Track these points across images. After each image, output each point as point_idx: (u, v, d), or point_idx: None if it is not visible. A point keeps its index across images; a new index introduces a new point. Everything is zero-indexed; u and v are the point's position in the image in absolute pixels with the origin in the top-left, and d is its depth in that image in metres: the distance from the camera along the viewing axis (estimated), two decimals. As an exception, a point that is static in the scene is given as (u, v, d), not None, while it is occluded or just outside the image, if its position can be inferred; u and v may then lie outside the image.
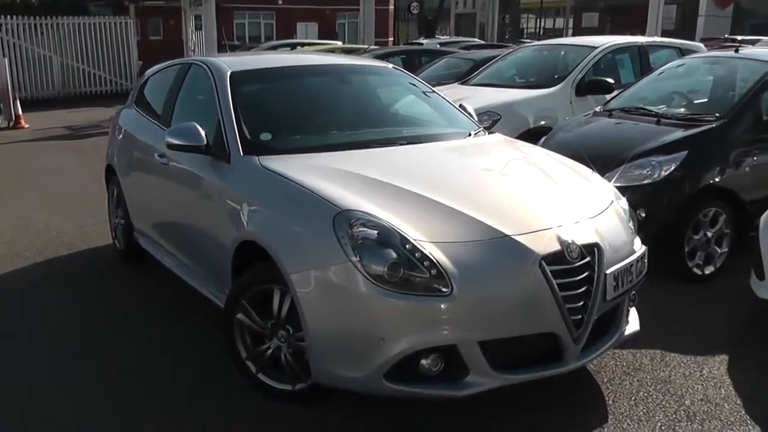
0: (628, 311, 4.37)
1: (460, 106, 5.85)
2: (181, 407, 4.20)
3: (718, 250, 6.22)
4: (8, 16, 21.73)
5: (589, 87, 9.33)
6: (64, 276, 6.47)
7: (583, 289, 3.80)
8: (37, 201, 9.19)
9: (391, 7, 43.52)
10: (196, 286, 5.23)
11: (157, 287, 6.07)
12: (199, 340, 5.01)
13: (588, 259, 3.85)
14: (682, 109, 7.18)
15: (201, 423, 4.03)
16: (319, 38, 34.58)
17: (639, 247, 4.36)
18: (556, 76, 9.78)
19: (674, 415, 4.05)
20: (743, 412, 4.08)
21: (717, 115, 6.52)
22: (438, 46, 20.44)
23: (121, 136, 6.82)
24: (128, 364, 4.73)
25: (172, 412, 4.15)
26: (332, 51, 19.04)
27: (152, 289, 6.07)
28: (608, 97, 8.27)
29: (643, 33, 19.53)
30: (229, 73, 5.23)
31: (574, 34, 42.03)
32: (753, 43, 12.16)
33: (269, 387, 4.20)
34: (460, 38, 29.85)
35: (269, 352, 4.16)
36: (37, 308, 5.73)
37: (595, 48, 9.93)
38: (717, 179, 6.16)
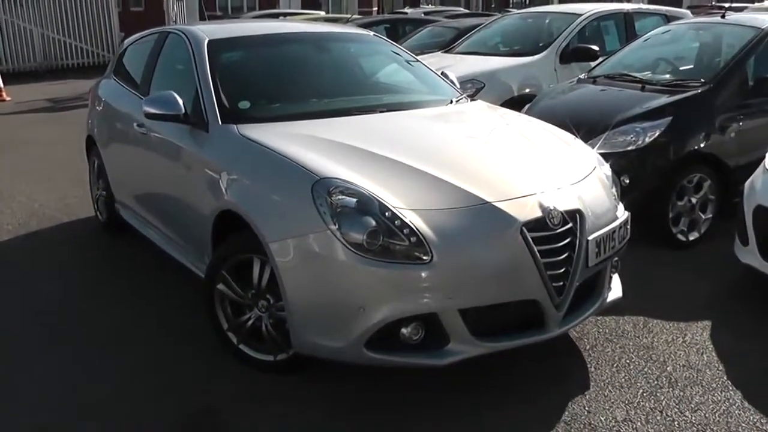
0: (611, 278, 4.35)
1: (442, 73, 5.81)
2: (162, 379, 4.16)
3: (703, 216, 6.21)
4: (-12, -11, 21.47)
5: (573, 54, 9.31)
6: (46, 248, 6.42)
7: (564, 255, 3.77)
8: (20, 173, 9.10)
9: (376, -24, 43.16)
10: (177, 256, 5.20)
11: (138, 259, 6.03)
12: (180, 312, 4.97)
13: (570, 225, 3.82)
14: (668, 76, 7.13)
15: (183, 395, 4.00)
16: (303, 8, 34.29)
17: (622, 214, 4.34)
18: (540, 44, 9.75)
19: (656, 382, 4.04)
20: (725, 378, 4.08)
21: (702, 80, 6.48)
22: (422, 15, 20.32)
23: (100, 106, 6.75)
24: (110, 337, 4.69)
25: (153, 384, 4.11)
26: (315, 21, 18.89)
27: (134, 261, 6.02)
28: (593, 64, 8.22)
29: (629, 1, 19.43)
30: (206, 41, 5.16)
31: (560, 3, 41.83)
32: (740, 9, 12.12)
33: (251, 358, 4.17)
34: (445, 8, 29.66)
35: (250, 322, 4.13)
36: (18, 280, 5.68)
37: (579, 15, 9.90)
38: (702, 145, 6.13)
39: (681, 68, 7.34)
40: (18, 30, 21.90)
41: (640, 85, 6.72)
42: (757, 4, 14.50)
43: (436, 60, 9.22)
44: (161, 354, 4.44)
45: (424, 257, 3.52)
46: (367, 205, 3.61)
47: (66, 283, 5.60)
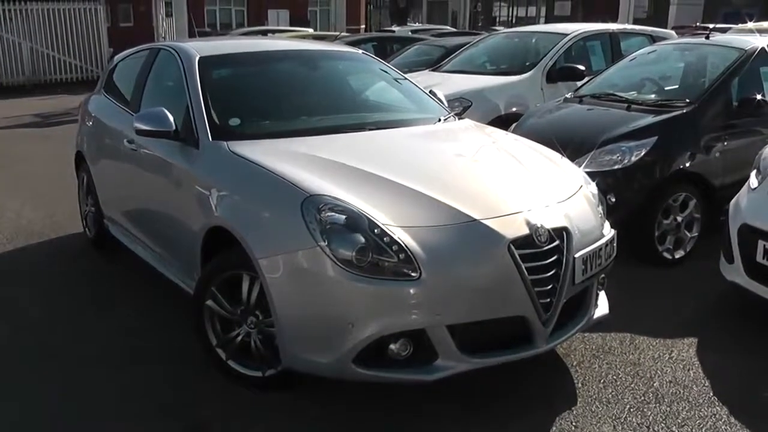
0: (597, 295, 4.38)
1: (430, 92, 5.86)
2: (150, 396, 4.16)
3: (688, 235, 6.26)
4: (-24, 3, 21.48)
5: (560, 74, 9.38)
6: (33, 264, 6.41)
7: (551, 272, 3.81)
8: (8, 189, 9.09)
9: (364, -6, 43.37)
10: (166, 273, 5.20)
11: (127, 275, 6.03)
12: (169, 328, 4.97)
13: (557, 242, 3.86)
14: (653, 95, 7.20)
15: (172, 412, 4.00)
16: (291, 25, 34.40)
17: (608, 231, 4.38)
18: (527, 63, 9.82)
19: (643, 397, 4.07)
20: (711, 394, 4.12)
21: (687, 100, 6.55)
22: (410, 33, 20.43)
23: (90, 122, 6.76)
24: (97, 354, 4.68)
25: (142, 401, 4.11)
26: (303, 38, 18.95)
27: (122, 277, 6.02)
28: (579, 83, 8.28)
29: (615, 22, 19.59)
30: (197, 58, 5.19)
31: (546, 23, 42.08)
32: (724, 31, 12.25)
33: (240, 374, 4.17)
34: (433, 26, 29.83)
35: (239, 338, 4.14)
36: (4, 296, 5.67)
37: (566, 35, 9.98)
38: (687, 164, 6.19)
39: (666, 88, 7.40)
40: (6, 44, 21.90)
41: (625, 105, 6.79)
42: (740, 26, 14.63)
43: (423, 78, 9.25)
44: (150, 371, 4.44)
45: (413, 274, 3.55)
46: (356, 222, 3.64)
47: (53, 300, 5.59)
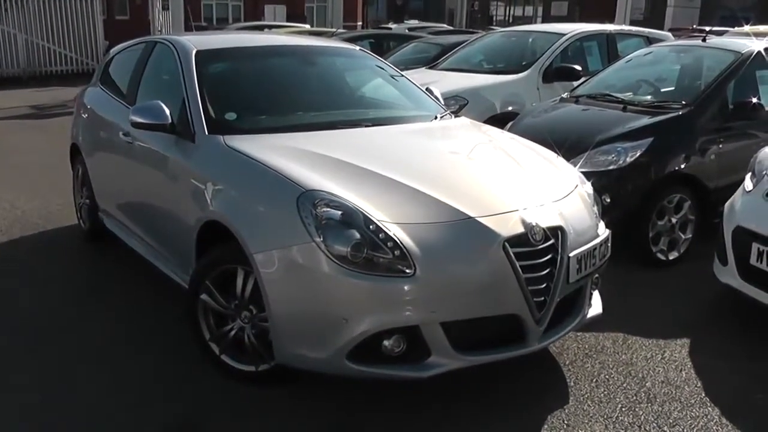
0: (591, 294, 4.40)
1: (427, 89, 5.86)
2: (142, 391, 4.15)
3: (682, 236, 6.28)
4: (-29, -7, 21.38)
5: (556, 73, 9.39)
6: (27, 256, 6.39)
7: (546, 271, 3.81)
8: (2, 181, 9.05)
9: (360, -9, 43.36)
10: (160, 266, 5.20)
11: (121, 268, 6.02)
12: (163, 322, 4.97)
13: (552, 241, 3.87)
14: (649, 97, 7.22)
15: (163, 407, 4.00)
16: (287, 21, 34.36)
17: (603, 231, 4.39)
18: (523, 63, 9.82)
19: (635, 397, 4.09)
20: (703, 394, 4.13)
21: (683, 102, 6.57)
22: (406, 31, 20.42)
23: (86, 114, 6.75)
24: (92, 347, 4.67)
25: (133, 396, 4.10)
26: (300, 34, 18.91)
27: (117, 270, 6.01)
28: (575, 83, 8.29)
29: (612, 23, 19.60)
30: (194, 52, 5.19)
31: (543, 23, 42.09)
32: (721, 34, 12.30)
33: (233, 368, 4.17)
34: (430, 24, 29.82)
35: (233, 333, 4.14)
36: (-3, 288, 5.66)
37: (562, 35, 9.98)
38: (682, 166, 6.20)
39: (662, 90, 7.42)
40: (2, 35, 21.81)
41: (621, 106, 6.81)
42: (736, 29, 14.67)
43: (420, 76, 9.23)
44: (142, 365, 4.43)
45: (407, 270, 3.55)
46: (351, 217, 3.64)
47: (47, 292, 5.58)
